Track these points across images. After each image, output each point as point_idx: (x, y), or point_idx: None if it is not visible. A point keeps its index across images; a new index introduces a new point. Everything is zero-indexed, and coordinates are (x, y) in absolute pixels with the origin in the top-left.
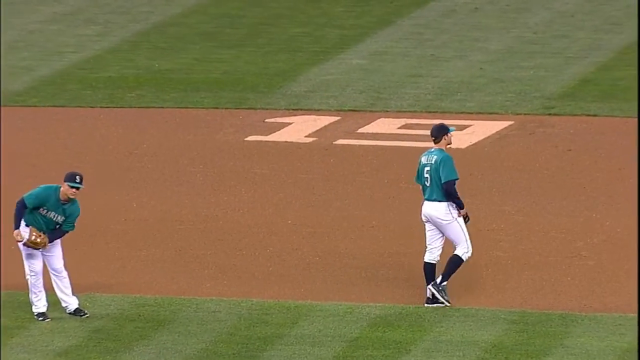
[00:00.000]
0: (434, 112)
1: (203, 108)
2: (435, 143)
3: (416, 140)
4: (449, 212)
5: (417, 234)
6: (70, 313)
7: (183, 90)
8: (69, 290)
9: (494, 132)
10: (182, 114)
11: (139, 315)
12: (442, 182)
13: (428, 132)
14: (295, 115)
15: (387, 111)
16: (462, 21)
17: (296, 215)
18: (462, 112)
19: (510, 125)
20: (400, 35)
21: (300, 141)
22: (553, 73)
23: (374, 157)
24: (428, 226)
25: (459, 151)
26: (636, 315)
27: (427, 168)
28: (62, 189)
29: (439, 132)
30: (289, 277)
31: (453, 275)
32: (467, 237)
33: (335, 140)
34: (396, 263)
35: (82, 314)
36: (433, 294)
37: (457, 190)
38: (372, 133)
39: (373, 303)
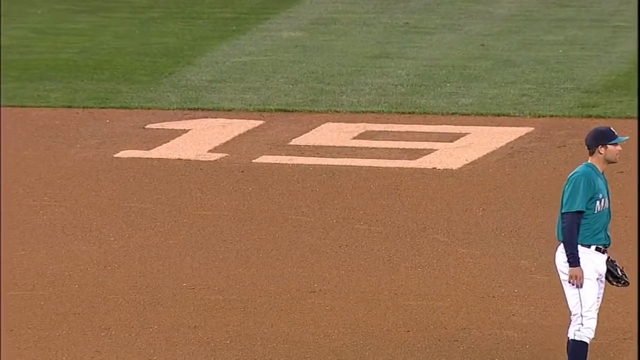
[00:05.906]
0: (409, 112)
1: (49, 107)
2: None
3: (381, 157)
4: (567, 261)
5: (383, 301)
6: None
7: (17, 79)
8: None
9: (503, 144)
10: (16, 116)
11: None
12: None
13: (398, 144)
14: (193, 118)
15: (337, 111)
16: None
17: (196, 275)
18: (453, 114)
19: (529, 134)
20: None
21: (201, 158)
22: (594, 52)
23: (316, 183)
24: None
25: (449, 173)
26: None
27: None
28: None
29: (592, 140)
30: None
31: None
32: (586, 305)
33: (255, 158)
34: (349, 347)
35: None
36: None
37: (577, 231)
38: (314, 146)
39: None
